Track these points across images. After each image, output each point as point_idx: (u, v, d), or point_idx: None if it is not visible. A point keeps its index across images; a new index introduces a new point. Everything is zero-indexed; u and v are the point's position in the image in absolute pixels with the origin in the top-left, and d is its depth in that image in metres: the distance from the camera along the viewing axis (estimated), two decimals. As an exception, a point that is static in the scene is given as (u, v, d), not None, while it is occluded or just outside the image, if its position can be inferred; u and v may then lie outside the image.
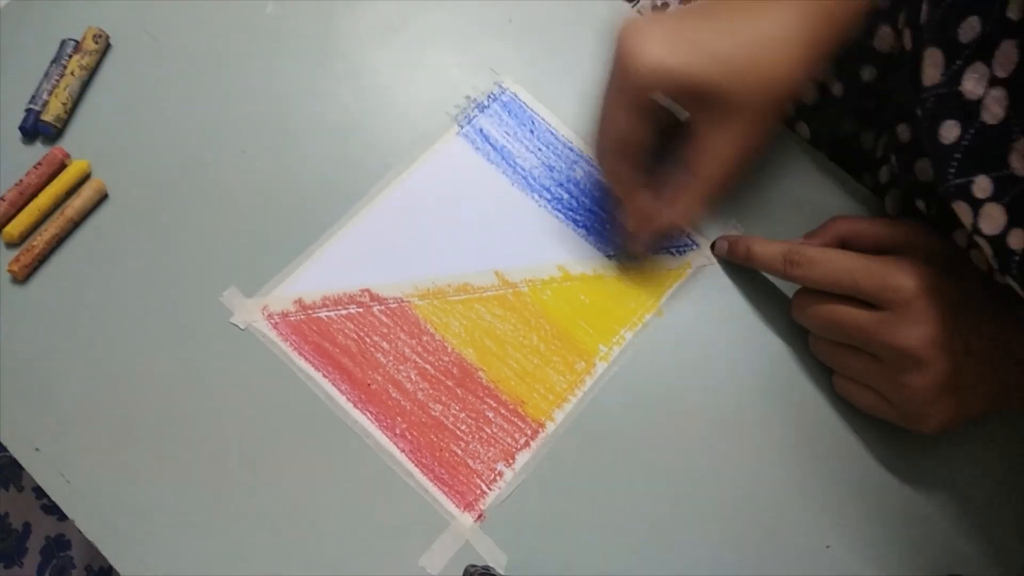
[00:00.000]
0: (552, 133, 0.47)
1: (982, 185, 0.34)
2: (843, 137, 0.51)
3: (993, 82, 0.33)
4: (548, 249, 0.44)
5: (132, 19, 0.48)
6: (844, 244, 0.41)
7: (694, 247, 0.45)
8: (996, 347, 0.37)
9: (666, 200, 0.41)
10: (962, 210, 0.35)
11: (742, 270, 0.44)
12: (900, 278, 0.36)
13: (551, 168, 0.46)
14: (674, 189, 0.40)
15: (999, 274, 0.35)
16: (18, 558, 1.07)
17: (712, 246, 0.44)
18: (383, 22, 0.49)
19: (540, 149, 0.46)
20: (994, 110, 0.33)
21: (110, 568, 0.90)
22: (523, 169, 0.46)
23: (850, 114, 0.50)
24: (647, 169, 0.41)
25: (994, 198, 0.33)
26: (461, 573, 0.36)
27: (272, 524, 0.39)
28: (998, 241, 0.33)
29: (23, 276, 0.42)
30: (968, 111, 0.34)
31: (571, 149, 0.47)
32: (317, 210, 0.44)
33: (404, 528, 0.39)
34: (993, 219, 0.33)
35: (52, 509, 1.10)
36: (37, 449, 0.39)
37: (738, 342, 0.43)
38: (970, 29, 0.33)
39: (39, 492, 1.11)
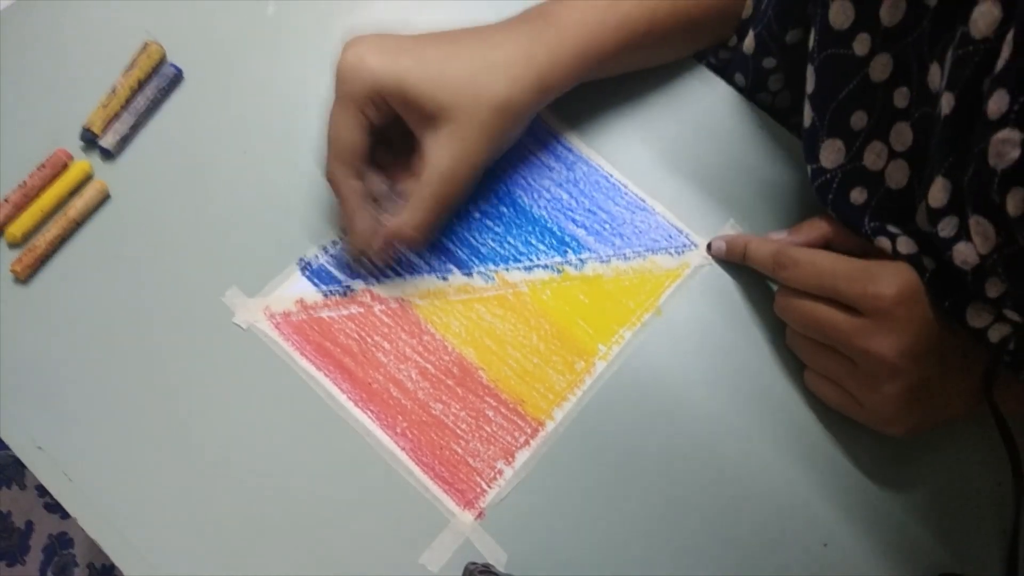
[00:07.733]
0: (552, 133, 0.47)
1: (893, 230, 0.38)
2: None
3: (892, 155, 0.38)
4: (547, 249, 0.44)
5: (132, 20, 0.48)
6: (828, 243, 0.42)
7: (692, 247, 0.45)
8: (967, 357, 0.37)
9: (394, 211, 0.41)
10: (882, 243, 0.38)
11: (740, 270, 0.44)
12: (880, 286, 0.36)
13: (550, 168, 0.46)
14: (403, 201, 0.41)
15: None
16: (21, 556, 1.08)
17: (708, 247, 0.45)
18: (383, 23, 0.49)
19: (540, 150, 0.47)
20: (897, 178, 0.38)
21: (112, 566, 0.90)
22: (523, 169, 0.46)
23: None
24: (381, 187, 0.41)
25: (906, 235, 0.37)
26: (461, 571, 0.36)
27: (273, 522, 0.39)
28: (915, 259, 0.37)
29: (25, 276, 0.42)
30: (873, 180, 0.38)
31: (570, 150, 0.47)
32: (318, 210, 0.44)
33: (404, 526, 0.39)
34: (908, 245, 0.37)
35: (54, 507, 1.10)
36: (40, 448, 0.39)
37: (736, 341, 0.43)
38: (859, 120, 0.38)
39: (41, 490, 1.11)
